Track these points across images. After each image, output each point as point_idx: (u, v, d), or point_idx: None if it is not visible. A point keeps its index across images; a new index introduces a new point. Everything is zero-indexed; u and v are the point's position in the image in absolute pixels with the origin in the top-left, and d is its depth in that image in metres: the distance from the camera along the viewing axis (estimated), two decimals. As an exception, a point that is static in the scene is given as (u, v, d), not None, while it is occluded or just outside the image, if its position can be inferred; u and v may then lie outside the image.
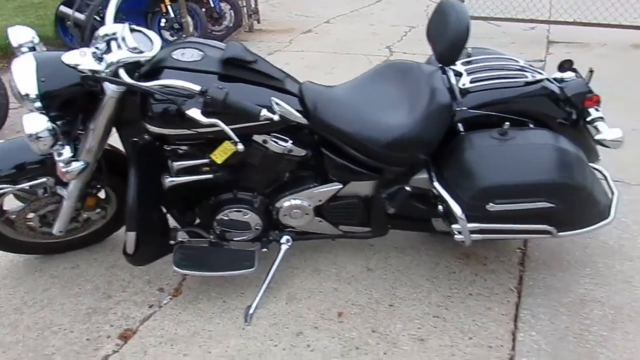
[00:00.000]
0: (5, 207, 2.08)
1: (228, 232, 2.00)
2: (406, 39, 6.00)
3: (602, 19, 5.25)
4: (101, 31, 1.70)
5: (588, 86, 1.88)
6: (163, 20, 5.52)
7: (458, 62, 1.92)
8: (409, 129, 1.77)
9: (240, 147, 1.62)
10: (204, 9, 5.92)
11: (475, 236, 1.80)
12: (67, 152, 1.67)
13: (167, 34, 5.60)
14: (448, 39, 1.67)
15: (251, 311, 1.95)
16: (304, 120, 1.76)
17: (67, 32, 6.06)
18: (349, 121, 1.81)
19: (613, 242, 2.25)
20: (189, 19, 5.54)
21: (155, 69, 1.69)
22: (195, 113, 1.51)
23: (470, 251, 2.22)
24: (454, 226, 1.78)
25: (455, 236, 1.81)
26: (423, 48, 5.44)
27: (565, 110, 1.88)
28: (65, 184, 1.92)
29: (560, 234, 1.81)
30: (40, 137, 1.56)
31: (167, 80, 1.57)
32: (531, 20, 5.61)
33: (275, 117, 1.57)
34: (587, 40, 5.21)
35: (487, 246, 2.23)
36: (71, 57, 1.64)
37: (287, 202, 1.97)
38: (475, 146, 1.76)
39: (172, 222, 2.03)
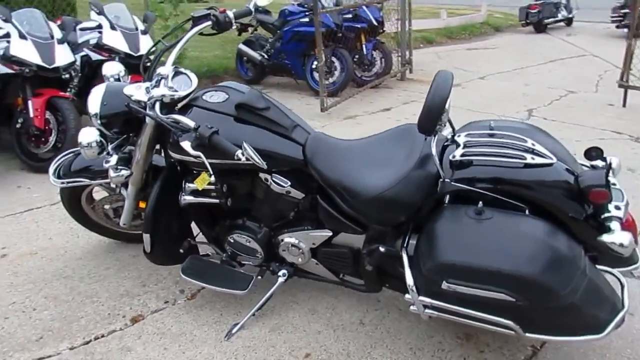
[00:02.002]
0: (95, 196, 2.65)
1: (236, 253, 2.25)
2: (557, 103, 5.63)
3: None
4: (158, 70, 2.13)
5: (605, 179, 1.68)
6: (315, 63, 6.08)
7: (462, 134, 1.90)
8: (386, 190, 1.81)
9: (212, 178, 1.87)
10: (356, 56, 6.38)
11: (430, 312, 1.73)
12: (113, 160, 2.12)
13: (316, 75, 6.15)
14: (425, 108, 1.70)
15: (234, 330, 2.15)
16: (264, 165, 1.88)
17: (244, 66, 7.09)
18: (337, 172, 1.92)
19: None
20: (337, 62, 6.03)
21: (187, 105, 2.05)
22: (186, 145, 1.82)
23: (475, 333, 2.09)
24: (406, 296, 1.75)
25: (410, 307, 1.77)
26: (570, 115, 5.06)
27: (575, 203, 1.71)
28: (127, 186, 2.38)
29: (527, 335, 1.63)
30: (86, 146, 2.03)
31: (175, 115, 1.91)
32: None
33: (243, 159, 1.78)
34: None
35: (497, 334, 2.06)
36: (129, 89, 2.09)
37: (286, 238, 2.14)
38: (446, 219, 1.72)
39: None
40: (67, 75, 4.10)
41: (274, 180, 2.03)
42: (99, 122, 2.10)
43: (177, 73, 2.11)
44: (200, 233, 2.37)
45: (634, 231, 1.75)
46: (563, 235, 1.64)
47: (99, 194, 2.66)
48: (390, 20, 6.87)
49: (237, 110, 2.00)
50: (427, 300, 1.71)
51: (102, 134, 2.12)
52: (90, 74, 4.40)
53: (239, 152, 1.77)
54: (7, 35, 3.83)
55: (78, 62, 4.27)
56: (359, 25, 6.27)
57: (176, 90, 2.03)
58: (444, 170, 1.80)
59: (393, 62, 6.62)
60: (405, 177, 1.80)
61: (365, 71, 6.53)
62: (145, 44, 4.33)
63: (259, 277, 2.23)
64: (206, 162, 1.82)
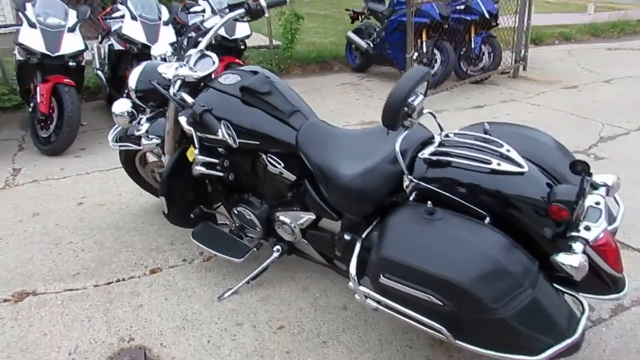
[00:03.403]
0: (149, 159, 3.02)
1: (240, 225, 2.43)
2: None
3: None
4: (189, 52, 2.36)
5: (577, 195, 1.52)
6: (416, 54, 5.98)
7: (443, 134, 1.84)
8: (350, 179, 1.84)
9: (197, 152, 2.04)
10: (463, 49, 6.14)
11: (370, 303, 1.73)
12: (143, 129, 2.42)
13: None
14: (385, 102, 1.68)
15: (227, 294, 2.34)
16: (234, 144, 1.97)
17: (352, 54, 7.22)
18: (319, 158, 1.98)
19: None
20: (438, 54, 5.87)
21: (205, 85, 2.26)
22: (182, 119, 2.03)
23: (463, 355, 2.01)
24: (349, 284, 1.76)
25: (355, 296, 1.78)
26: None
27: (540, 218, 1.58)
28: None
29: (458, 342, 1.55)
30: (118, 115, 2.34)
31: (182, 93, 2.12)
32: None
33: (220, 137, 1.92)
34: None
35: None
36: (163, 67, 2.35)
37: (281, 216, 2.25)
38: (398, 215, 1.69)
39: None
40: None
41: (269, 161, 2.16)
42: (134, 94, 2.40)
43: (202, 56, 2.33)
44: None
45: (608, 256, 1.56)
46: (513, 250, 1.53)
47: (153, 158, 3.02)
48: (507, 14, 6.46)
49: (242, 93, 2.15)
50: (366, 290, 1.72)
51: (135, 106, 2.43)
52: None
53: (219, 131, 1.93)
54: (123, 16, 4.42)
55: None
56: (468, 18, 6.01)
57: (195, 71, 2.24)
58: (416, 168, 1.77)
59: (503, 58, 6.23)
60: (370, 170, 1.81)
61: (471, 65, 6.25)
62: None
63: (255, 250, 2.38)
64: (195, 136, 2.01)
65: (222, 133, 1.89)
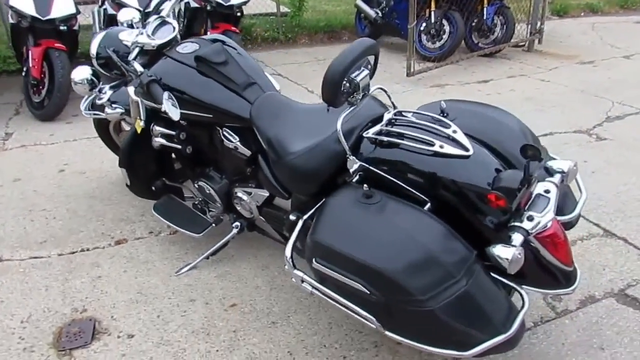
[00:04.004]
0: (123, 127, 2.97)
1: (203, 199, 2.38)
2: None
3: None
4: (150, 19, 2.28)
5: (522, 182, 1.41)
6: (424, 25, 5.76)
7: (389, 114, 1.73)
8: (292, 156, 1.76)
9: (142, 123, 1.98)
10: (475, 20, 5.88)
11: (306, 287, 1.67)
12: (105, 97, 2.37)
13: (424, 38, 5.84)
14: (324, 76, 1.58)
15: (185, 269, 2.31)
16: (174, 117, 1.91)
17: (362, 23, 7.00)
18: (270, 132, 1.89)
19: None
20: (447, 25, 5.63)
21: (161, 54, 2.18)
22: (130, 89, 1.96)
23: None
24: (286, 267, 1.70)
25: (292, 278, 1.72)
26: None
27: (483, 205, 1.48)
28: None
29: (387, 333, 1.48)
30: (77, 83, 2.29)
31: (133, 62, 2.05)
32: None
33: (163, 108, 1.85)
34: None
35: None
36: (124, 34, 2.28)
37: (239, 193, 2.19)
38: (335, 198, 1.61)
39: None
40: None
41: (224, 135, 2.09)
42: (95, 61, 2.34)
43: (163, 23, 2.24)
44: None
45: (556, 249, 1.46)
46: (448, 239, 1.44)
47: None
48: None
49: (197, 63, 2.07)
50: (301, 274, 1.65)
51: (95, 74, 2.37)
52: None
53: (163, 102, 1.86)
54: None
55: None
56: (481, -14, 5.74)
57: (153, 39, 2.17)
58: (362, 148, 1.68)
59: (519, 31, 5.95)
60: (313, 148, 1.73)
61: (482, 37, 5.99)
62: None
63: (214, 225, 2.34)
64: (141, 106, 1.94)
65: (164, 105, 1.83)
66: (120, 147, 2.38)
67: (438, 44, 5.74)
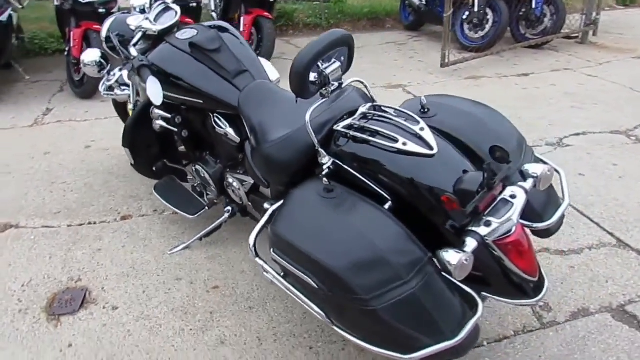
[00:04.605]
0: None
1: (201, 182, 2.44)
2: None
3: None
4: (154, 5, 2.33)
5: (481, 185, 1.35)
6: (466, 13, 5.56)
7: (363, 107, 1.68)
8: (266, 145, 1.77)
9: (130, 106, 2.04)
10: (522, 9, 5.61)
11: (267, 276, 1.68)
12: (113, 79, 2.46)
13: (466, 27, 5.64)
14: (291, 66, 1.56)
15: (178, 248, 2.38)
16: (156, 102, 1.96)
17: (406, 11, 6.86)
18: (253, 120, 1.90)
19: None
20: (490, 14, 5.41)
21: (161, 39, 2.24)
22: (124, 73, 2.03)
23: None
24: (250, 255, 1.71)
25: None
26: None
27: (440, 208, 1.44)
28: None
29: (335, 328, 1.47)
30: (87, 64, 2.39)
31: (130, 47, 2.11)
32: None
33: (148, 92, 1.90)
34: None
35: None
36: (132, 19, 2.36)
37: (230, 178, 2.23)
38: (299, 190, 1.60)
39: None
40: None
41: (215, 121, 2.12)
42: (104, 45, 2.43)
43: (166, 8, 2.29)
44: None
45: (517, 257, 1.40)
46: (401, 240, 1.40)
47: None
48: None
49: (191, 49, 2.11)
50: (262, 263, 1.66)
51: (104, 57, 2.46)
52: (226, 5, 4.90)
53: (147, 85, 1.91)
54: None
55: None
56: (531, -27, 5.45)
57: (155, 25, 2.22)
58: (333, 141, 1.66)
59: (573, 21, 5.61)
60: (285, 138, 1.72)
61: (530, 28, 5.70)
62: None
63: (207, 208, 2.39)
64: (132, 90, 2.01)
65: (147, 88, 1.88)
66: (124, 128, 2.47)
67: (480, 34, 5.52)
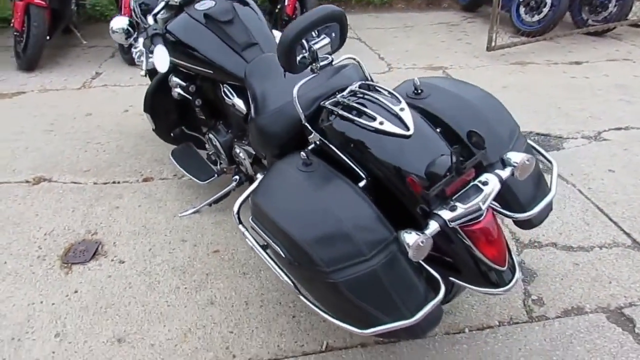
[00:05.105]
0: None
1: (213, 151, 2.53)
2: None
3: None
4: (182, -24, 2.41)
5: (449, 169, 1.35)
6: (524, -5, 5.30)
7: (353, 85, 1.69)
8: (259, 116, 1.82)
9: (142, 72, 2.13)
10: (586, -6, 5.28)
11: (248, 242, 1.74)
12: (139, 46, 2.57)
13: (522, 10, 5.39)
14: (278, 43, 1.59)
15: (188, 211, 2.50)
16: (161, 70, 2.01)
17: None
18: (253, 91, 1.96)
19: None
20: (548, -1, 5.13)
21: (181, 9, 2.32)
22: (140, 40, 2.12)
23: None
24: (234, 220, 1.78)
25: (241, 231, 1.80)
26: None
27: (404, 189, 1.44)
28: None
29: (301, 298, 1.52)
30: (114, 31, 2.51)
31: (149, 15, 2.20)
32: None
33: (151, 61, 1.99)
34: None
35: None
36: (158, -12, 2.45)
37: (237, 148, 2.31)
38: (281, 162, 1.64)
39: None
40: None
41: (224, 92, 2.20)
42: (134, 13, 2.54)
43: None
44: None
45: (485, 244, 1.38)
46: (367, 217, 1.41)
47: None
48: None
49: (205, 20, 2.17)
50: (243, 230, 1.73)
51: (132, 24, 2.57)
52: None
53: (154, 52, 2.00)
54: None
55: None
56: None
57: (177, -4, 2.30)
58: (321, 117, 1.69)
59: (635, 9, 5.23)
60: (277, 110, 1.76)
61: (592, 13, 5.35)
62: None
63: (216, 175, 2.49)
64: (144, 57, 2.10)
65: (154, 55, 1.96)
66: (145, 93, 2.59)
67: (537, 18, 5.25)
